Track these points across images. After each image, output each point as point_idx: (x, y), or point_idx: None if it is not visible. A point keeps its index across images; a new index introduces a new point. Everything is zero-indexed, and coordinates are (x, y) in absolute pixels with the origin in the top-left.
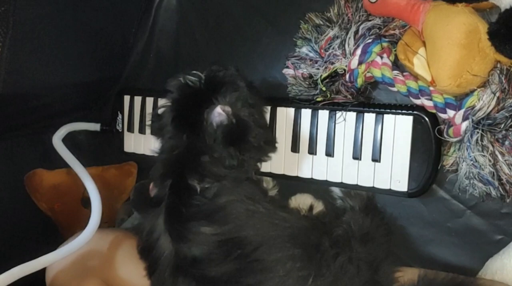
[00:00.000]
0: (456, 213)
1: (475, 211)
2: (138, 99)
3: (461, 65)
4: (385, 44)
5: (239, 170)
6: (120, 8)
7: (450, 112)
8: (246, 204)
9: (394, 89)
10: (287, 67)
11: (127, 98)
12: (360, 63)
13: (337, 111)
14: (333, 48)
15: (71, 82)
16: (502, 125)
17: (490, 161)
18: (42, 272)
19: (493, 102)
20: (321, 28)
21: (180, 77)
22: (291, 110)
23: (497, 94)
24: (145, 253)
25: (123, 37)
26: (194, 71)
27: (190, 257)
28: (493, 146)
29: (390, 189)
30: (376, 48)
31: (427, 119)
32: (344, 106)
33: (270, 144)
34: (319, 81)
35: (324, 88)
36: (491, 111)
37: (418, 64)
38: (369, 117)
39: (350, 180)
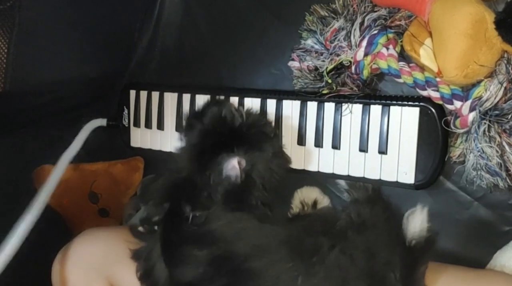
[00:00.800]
0: (464, 204)
1: (482, 203)
2: (144, 94)
3: (468, 56)
4: (391, 35)
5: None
6: (125, 2)
7: (457, 103)
8: (234, 225)
9: (400, 80)
10: (293, 59)
11: (133, 93)
12: (366, 54)
13: (343, 104)
14: (338, 40)
15: (77, 78)
16: (510, 115)
17: (497, 151)
18: (46, 271)
19: (500, 93)
20: (326, 20)
21: (222, 108)
22: (297, 103)
23: (504, 84)
24: (144, 279)
25: (128, 32)
26: (239, 108)
27: (184, 281)
28: (500, 137)
29: (397, 181)
30: (382, 40)
31: (433, 110)
32: (350, 99)
33: (266, 206)
34: (324, 73)
35: (330, 81)
36: (498, 101)
37: (425, 55)
38: (376, 109)
39: (356, 173)
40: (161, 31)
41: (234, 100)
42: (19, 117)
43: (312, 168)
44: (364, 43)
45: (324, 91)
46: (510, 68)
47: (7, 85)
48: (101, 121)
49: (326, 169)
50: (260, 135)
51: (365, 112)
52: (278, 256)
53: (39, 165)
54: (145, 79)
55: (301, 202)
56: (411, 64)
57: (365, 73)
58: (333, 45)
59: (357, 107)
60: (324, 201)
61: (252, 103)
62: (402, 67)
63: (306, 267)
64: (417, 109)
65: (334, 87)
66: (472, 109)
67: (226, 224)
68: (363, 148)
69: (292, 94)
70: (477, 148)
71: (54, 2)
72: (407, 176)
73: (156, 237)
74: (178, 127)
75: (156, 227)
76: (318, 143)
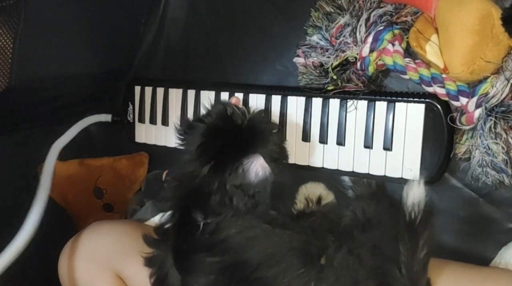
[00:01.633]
0: (469, 201)
1: (488, 199)
2: (148, 90)
3: (474, 52)
4: (396, 31)
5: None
6: None
7: (463, 100)
8: (245, 233)
9: (406, 77)
10: (298, 56)
11: (137, 88)
12: (371, 51)
13: (348, 100)
14: (344, 36)
15: (82, 73)
16: None
17: (503, 148)
18: (53, 265)
19: (507, 89)
20: (332, 16)
21: (227, 106)
22: (302, 99)
23: (511, 81)
24: (157, 285)
25: (134, 27)
26: (243, 107)
27: None
28: (506, 133)
29: (401, 178)
30: (388, 36)
31: (439, 107)
32: (355, 95)
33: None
34: (330, 69)
35: (335, 77)
36: (504, 98)
37: (431, 51)
38: (381, 106)
39: (361, 169)
40: (166, 27)
41: (239, 96)
42: (24, 112)
43: (317, 164)
44: (370, 39)
45: (329, 88)
46: None
47: (12, 80)
48: (106, 117)
49: (330, 165)
50: (266, 133)
51: (370, 108)
52: (289, 263)
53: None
54: (150, 75)
55: (305, 198)
56: (417, 61)
57: (371, 69)
58: (338, 41)
59: (362, 104)
60: (328, 197)
61: (257, 99)
62: (408, 63)
63: (317, 271)
64: (422, 106)
65: (339, 84)
66: (478, 105)
67: (237, 232)
68: (368, 144)
69: (297, 91)
70: (483, 144)
71: None
72: (412, 172)
73: (168, 245)
74: (176, 129)
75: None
76: (323, 139)
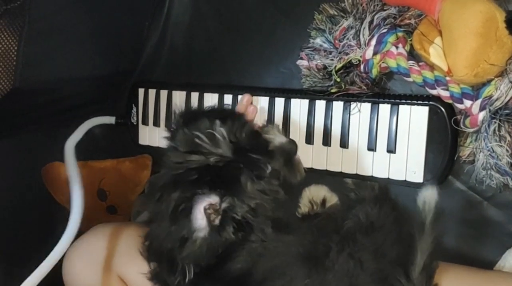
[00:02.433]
0: (473, 204)
1: (492, 202)
2: (152, 92)
3: (478, 55)
4: (400, 34)
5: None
6: (135, 1)
7: (467, 103)
8: (248, 252)
9: (410, 79)
10: (301, 58)
11: (141, 91)
12: (375, 53)
13: (351, 103)
14: (347, 39)
15: (87, 76)
16: None
17: (507, 151)
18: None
19: (511, 92)
20: (335, 19)
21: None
22: (305, 102)
23: None
24: None
25: (137, 30)
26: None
27: None
28: (510, 136)
29: (405, 180)
30: (391, 38)
31: (443, 109)
32: (358, 97)
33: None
34: (333, 72)
35: (338, 79)
36: (508, 101)
37: (434, 53)
38: (384, 108)
39: (365, 171)
40: (170, 29)
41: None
42: (28, 115)
43: (320, 166)
44: (373, 42)
45: (333, 90)
46: None
47: (17, 82)
48: (110, 119)
49: (334, 167)
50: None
51: (374, 111)
52: (295, 273)
53: (48, 162)
54: (153, 77)
55: (309, 201)
56: (420, 63)
57: (374, 72)
58: (342, 44)
59: (366, 106)
60: (332, 199)
61: (260, 101)
62: (411, 66)
63: (321, 276)
64: (426, 109)
65: (343, 86)
66: (482, 108)
67: (246, 258)
68: (372, 147)
69: (300, 93)
70: (487, 147)
71: (64, 1)
72: (416, 175)
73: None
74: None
75: None
76: (326, 142)
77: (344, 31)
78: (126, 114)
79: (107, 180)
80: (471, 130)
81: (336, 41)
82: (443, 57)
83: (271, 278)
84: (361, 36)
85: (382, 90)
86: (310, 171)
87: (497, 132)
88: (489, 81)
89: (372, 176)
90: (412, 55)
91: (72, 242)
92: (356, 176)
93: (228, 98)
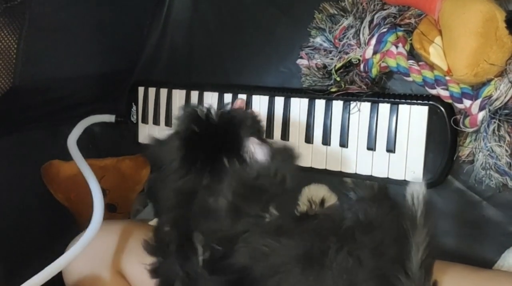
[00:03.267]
0: (472, 204)
1: (491, 202)
2: (152, 91)
3: (478, 54)
4: (400, 34)
5: (249, 219)
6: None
7: (467, 102)
8: (254, 253)
9: (409, 79)
10: (301, 57)
11: (141, 89)
12: (375, 53)
13: (351, 102)
14: (347, 38)
15: (87, 74)
16: None
17: (507, 151)
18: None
19: (511, 92)
20: (335, 18)
21: (195, 108)
22: (305, 101)
23: None
24: None
25: (138, 29)
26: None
27: None
28: (510, 136)
29: (404, 180)
30: (391, 38)
31: (442, 109)
32: (358, 97)
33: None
34: (333, 71)
35: (338, 79)
36: (508, 101)
37: (434, 53)
38: (384, 108)
39: (364, 171)
40: (170, 28)
41: (242, 97)
42: (28, 113)
43: (320, 165)
44: (373, 41)
45: (333, 89)
46: None
47: (16, 80)
48: (110, 118)
49: (333, 167)
50: (242, 115)
51: (374, 110)
52: (289, 270)
53: (47, 160)
54: (153, 76)
55: (308, 200)
56: (420, 63)
57: (374, 71)
58: (342, 43)
59: (366, 106)
60: (331, 198)
61: (260, 100)
62: (411, 65)
63: (316, 274)
64: (426, 108)
65: (343, 85)
66: (481, 108)
67: (246, 256)
68: (371, 146)
69: (300, 92)
70: (487, 147)
71: None
72: (415, 174)
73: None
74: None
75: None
76: (326, 141)
77: (344, 30)
78: (126, 112)
79: (107, 179)
80: (471, 130)
81: (336, 40)
82: (443, 56)
83: (269, 276)
84: (361, 35)
85: (381, 89)
86: (310, 170)
87: (497, 132)
88: (489, 81)
89: (371, 175)
90: (412, 54)
91: (72, 239)
92: (355, 175)
93: (227, 97)
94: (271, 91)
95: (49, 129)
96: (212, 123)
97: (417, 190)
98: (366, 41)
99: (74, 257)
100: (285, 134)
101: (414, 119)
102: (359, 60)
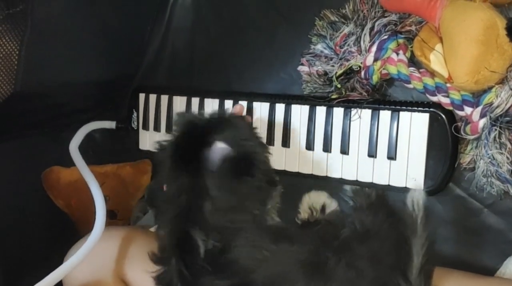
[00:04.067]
0: (473, 211)
1: (492, 210)
2: (153, 97)
3: (479, 62)
4: (401, 41)
5: (243, 216)
6: (136, 6)
7: (468, 109)
8: (253, 253)
9: (410, 86)
10: (302, 64)
11: (142, 96)
12: (375, 60)
13: (352, 109)
14: (348, 45)
15: (88, 80)
16: None
17: (508, 158)
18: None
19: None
20: (336, 25)
21: (186, 114)
22: (306, 108)
23: None
24: None
25: (139, 35)
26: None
27: None
28: (511, 143)
29: (405, 187)
30: (392, 45)
31: (443, 116)
32: (359, 104)
33: (272, 184)
34: (334, 78)
35: (339, 85)
36: (509, 108)
37: (435, 60)
38: (385, 115)
39: (365, 178)
40: (171, 35)
41: (243, 104)
42: (29, 119)
43: (321, 172)
44: (374, 48)
45: (333, 96)
46: None
47: (18, 86)
48: (110, 124)
49: (334, 174)
50: (228, 119)
51: (374, 117)
52: (295, 281)
53: (48, 166)
54: (154, 82)
55: (309, 207)
56: (421, 70)
57: (375, 78)
58: (342, 50)
59: (366, 113)
60: (332, 205)
61: (261, 107)
62: (412, 72)
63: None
64: (426, 115)
65: (343, 92)
66: (482, 115)
67: (244, 253)
68: (372, 153)
69: (301, 99)
70: (488, 154)
71: (66, 5)
72: (416, 182)
73: (174, 267)
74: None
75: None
76: (327, 148)
77: (345, 37)
78: (126, 119)
79: (107, 185)
80: (472, 137)
81: (337, 47)
82: (444, 64)
83: (270, 284)
84: (362, 42)
85: (382, 96)
86: (311, 177)
87: (498, 140)
88: (490, 88)
89: (372, 182)
90: (413, 62)
91: (72, 245)
92: (356, 182)
93: (228, 104)
94: (272, 98)
95: (49, 135)
96: (200, 127)
97: (416, 196)
98: (367, 48)
99: (77, 263)
100: (285, 141)
101: (415, 127)
102: (360, 67)
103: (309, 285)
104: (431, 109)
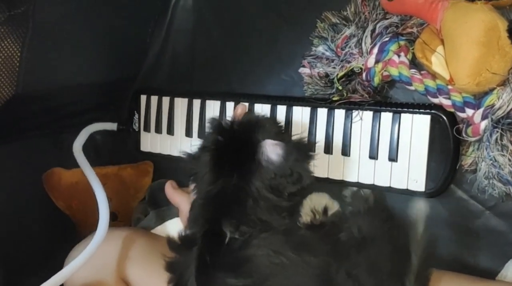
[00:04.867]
0: (475, 213)
1: (494, 212)
2: (154, 99)
3: (481, 64)
4: (402, 43)
5: (279, 217)
6: (137, 8)
7: (469, 111)
8: (271, 258)
9: (412, 88)
10: (303, 66)
11: (143, 97)
12: (377, 61)
13: (353, 111)
14: (349, 47)
15: (89, 82)
16: None
17: (510, 160)
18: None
19: None
20: (337, 27)
21: (220, 120)
22: (307, 110)
23: None
24: None
25: (140, 37)
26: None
27: None
28: None
29: (407, 189)
30: (393, 47)
31: (445, 118)
32: (360, 106)
33: (309, 189)
34: (335, 80)
35: (340, 87)
36: (511, 110)
37: (436, 62)
38: (386, 117)
39: (366, 180)
40: (173, 37)
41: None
42: (30, 121)
43: (322, 174)
44: (375, 50)
45: (335, 98)
46: None
47: (19, 88)
48: (112, 126)
49: (335, 175)
50: (261, 119)
51: (376, 119)
52: None
53: (49, 168)
54: (155, 84)
55: (311, 210)
56: (422, 72)
57: (376, 80)
58: (344, 52)
59: (368, 115)
60: (333, 207)
61: (262, 109)
62: (413, 74)
63: None
64: (428, 117)
65: (345, 94)
66: (484, 117)
67: (264, 255)
68: (373, 155)
69: (302, 101)
70: (489, 156)
71: (67, 7)
72: (418, 183)
73: (192, 255)
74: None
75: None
76: (328, 150)
77: (346, 39)
78: (128, 121)
79: (108, 186)
80: (473, 139)
81: (338, 49)
82: (445, 66)
83: None
84: (363, 44)
85: (384, 98)
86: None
87: (499, 142)
88: (491, 90)
89: (373, 184)
90: (414, 63)
91: (74, 246)
92: (357, 184)
93: (230, 106)
94: (273, 100)
95: (51, 137)
96: (235, 131)
97: (419, 207)
98: (368, 50)
99: (80, 265)
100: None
101: (416, 128)
102: (361, 69)
103: None
104: (432, 111)
